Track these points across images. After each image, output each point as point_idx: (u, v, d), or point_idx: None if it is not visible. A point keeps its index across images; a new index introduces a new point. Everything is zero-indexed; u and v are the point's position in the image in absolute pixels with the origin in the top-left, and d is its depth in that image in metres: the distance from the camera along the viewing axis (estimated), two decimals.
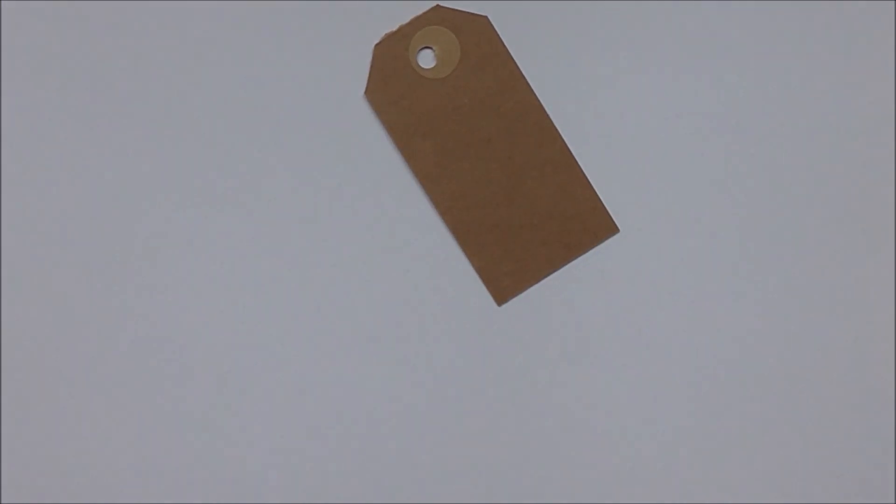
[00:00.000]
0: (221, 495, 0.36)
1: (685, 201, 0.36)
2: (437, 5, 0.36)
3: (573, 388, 0.36)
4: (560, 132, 0.36)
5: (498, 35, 0.36)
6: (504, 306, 0.36)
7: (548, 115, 0.36)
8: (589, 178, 0.36)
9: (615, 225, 0.36)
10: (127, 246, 0.36)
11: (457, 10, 0.36)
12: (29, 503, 0.35)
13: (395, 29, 0.36)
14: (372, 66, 0.36)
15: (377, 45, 0.36)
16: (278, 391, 0.36)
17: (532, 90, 0.36)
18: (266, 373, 0.36)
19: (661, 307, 0.36)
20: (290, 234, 0.36)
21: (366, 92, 0.36)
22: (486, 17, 0.36)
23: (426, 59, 0.36)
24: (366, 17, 0.36)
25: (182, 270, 0.36)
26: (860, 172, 0.36)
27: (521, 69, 0.36)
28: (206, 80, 0.36)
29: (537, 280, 0.36)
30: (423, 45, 0.36)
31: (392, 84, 0.36)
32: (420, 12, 0.36)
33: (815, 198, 0.36)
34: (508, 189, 0.36)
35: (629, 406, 0.36)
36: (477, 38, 0.36)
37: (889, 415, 0.36)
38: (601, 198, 0.36)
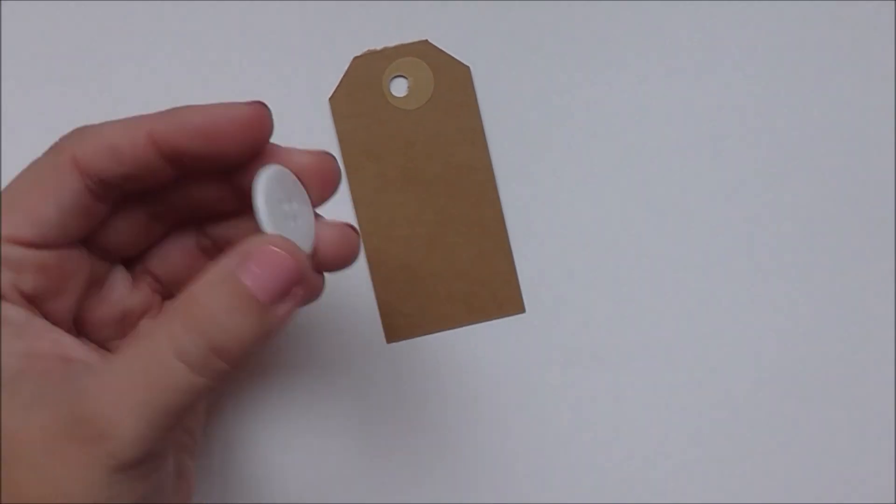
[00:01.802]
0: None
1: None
2: (426, 40, 0.36)
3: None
4: (501, 199, 0.36)
5: (474, 88, 0.36)
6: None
7: (494, 179, 0.36)
8: (514, 250, 0.36)
9: (522, 304, 0.36)
10: None
11: (442, 51, 0.36)
12: None
13: (378, 48, 0.36)
14: (345, 75, 0.36)
15: (356, 57, 0.36)
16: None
17: (488, 151, 0.36)
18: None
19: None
20: None
21: (331, 98, 0.36)
22: (468, 68, 0.36)
23: (398, 88, 0.36)
24: (362, 27, 0.36)
25: None
26: (858, 180, 0.37)
27: (485, 127, 0.36)
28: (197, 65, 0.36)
29: (430, 332, 0.36)
30: (400, 73, 0.36)
31: (358, 99, 0.36)
32: (410, 41, 0.36)
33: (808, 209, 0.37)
34: (433, 236, 0.36)
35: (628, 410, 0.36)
36: (453, 83, 0.36)
37: (889, 415, 0.36)
38: (518, 274, 0.36)
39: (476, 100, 0.36)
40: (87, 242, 0.28)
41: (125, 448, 0.24)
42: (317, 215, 0.27)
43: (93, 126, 0.26)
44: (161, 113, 0.26)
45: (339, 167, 0.27)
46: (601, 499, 0.36)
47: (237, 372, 0.24)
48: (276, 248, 0.24)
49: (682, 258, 0.37)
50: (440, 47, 0.36)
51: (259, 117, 0.25)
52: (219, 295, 0.24)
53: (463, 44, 0.36)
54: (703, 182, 0.37)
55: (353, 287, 0.36)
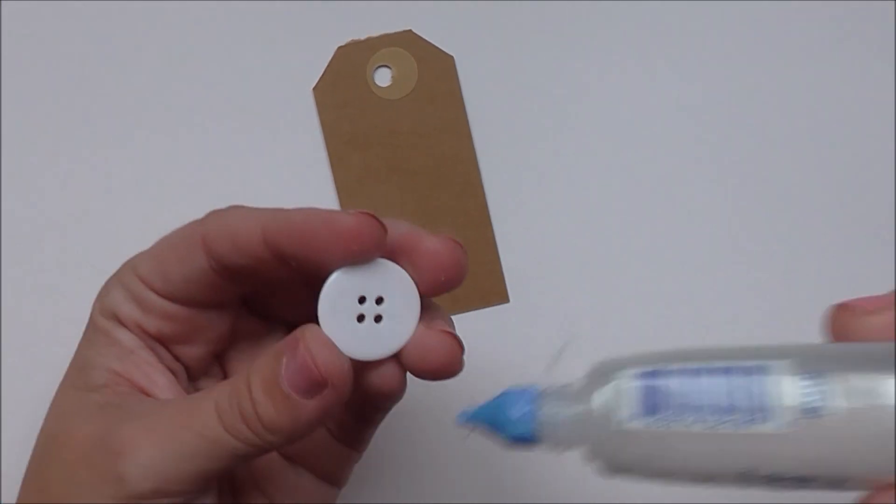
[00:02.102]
0: None
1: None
2: (410, 30, 0.36)
3: None
4: (485, 189, 0.36)
5: (457, 77, 0.36)
6: None
7: (478, 169, 0.36)
8: (498, 241, 0.36)
9: (507, 294, 0.36)
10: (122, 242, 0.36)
11: (426, 41, 0.36)
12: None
13: (362, 38, 0.36)
14: (328, 65, 0.36)
15: (340, 47, 0.36)
16: None
17: (472, 141, 0.36)
18: None
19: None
20: None
21: (314, 88, 0.36)
22: (452, 57, 0.36)
23: (382, 77, 0.36)
24: (346, 16, 0.36)
25: None
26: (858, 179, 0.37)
27: (469, 117, 0.36)
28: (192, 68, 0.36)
29: None
30: (384, 63, 0.36)
31: (341, 88, 0.36)
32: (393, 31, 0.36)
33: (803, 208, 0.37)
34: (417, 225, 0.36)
35: None
36: (437, 73, 0.36)
37: None
38: (502, 264, 0.36)
39: (460, 90, 0.36)
40: (249, 304, 0.29)
41: (135, 472, 0.24)
42: (439, 316, 0.26)
43: (224, 210, 0.26)
44: (278, 209, 0.25)
45: (465, 261, 0.26)
46: (591, 493, 0.36)
47: (271, 449, 0.24)
48: (304, 346, 0.24)
49: (668, 250, 0.37)
50: (424, 37, 0.36)
51: (362, 230, 0.24)
52: (262, 368, 0.24)
53: (447, 34, 0.36)
54: (690, 174, 0.37)
55: None
